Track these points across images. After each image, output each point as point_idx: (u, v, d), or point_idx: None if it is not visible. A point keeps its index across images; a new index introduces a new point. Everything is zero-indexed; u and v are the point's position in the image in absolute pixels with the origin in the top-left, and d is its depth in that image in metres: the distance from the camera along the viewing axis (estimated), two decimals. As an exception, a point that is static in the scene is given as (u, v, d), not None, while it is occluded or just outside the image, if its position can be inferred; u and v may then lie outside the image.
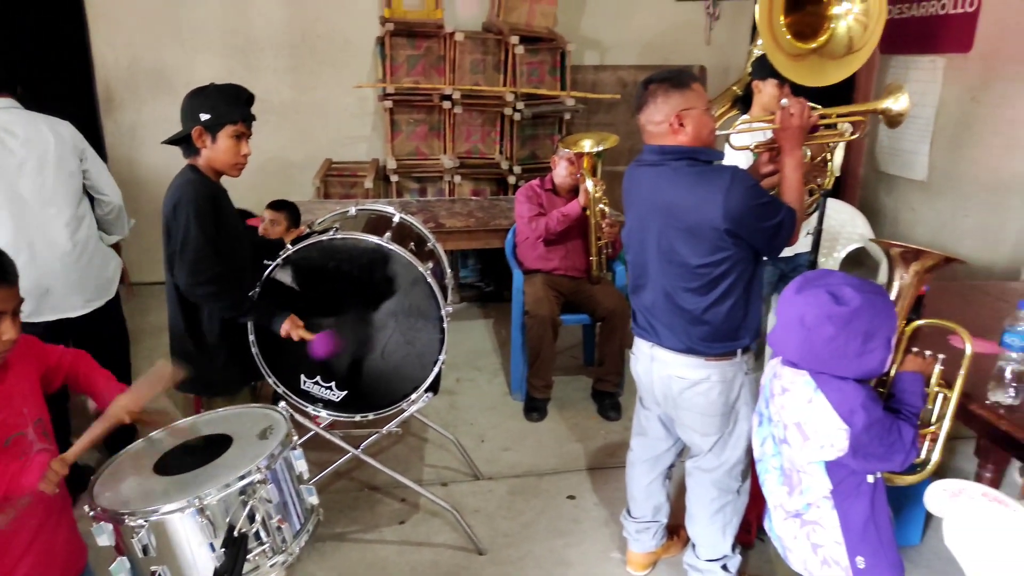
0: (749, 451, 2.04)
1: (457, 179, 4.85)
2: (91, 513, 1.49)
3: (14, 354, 1.57)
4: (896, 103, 2.15)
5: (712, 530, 2.21)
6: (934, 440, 1.68)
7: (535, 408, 3.48)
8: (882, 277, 3.94)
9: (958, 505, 1.50)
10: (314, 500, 1.70)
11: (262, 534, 1.53)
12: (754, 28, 2.52)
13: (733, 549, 2.25)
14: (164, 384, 1.70)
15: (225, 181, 2.26)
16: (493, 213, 4.23)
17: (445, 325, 2.38)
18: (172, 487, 1.53)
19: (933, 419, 1.70)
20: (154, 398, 1.71)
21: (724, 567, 2.24)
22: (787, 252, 2.75)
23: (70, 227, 2.68)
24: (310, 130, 5.17)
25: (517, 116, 4.82)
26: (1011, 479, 2.73)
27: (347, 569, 2.46)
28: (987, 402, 1.83)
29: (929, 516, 2.52)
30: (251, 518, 1.50)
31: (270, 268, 2.27)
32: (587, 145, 3.27)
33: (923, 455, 1.68)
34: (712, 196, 1.88)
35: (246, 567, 1.49)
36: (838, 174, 2.66)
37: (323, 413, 2.41)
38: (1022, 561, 1.37)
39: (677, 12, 5.41)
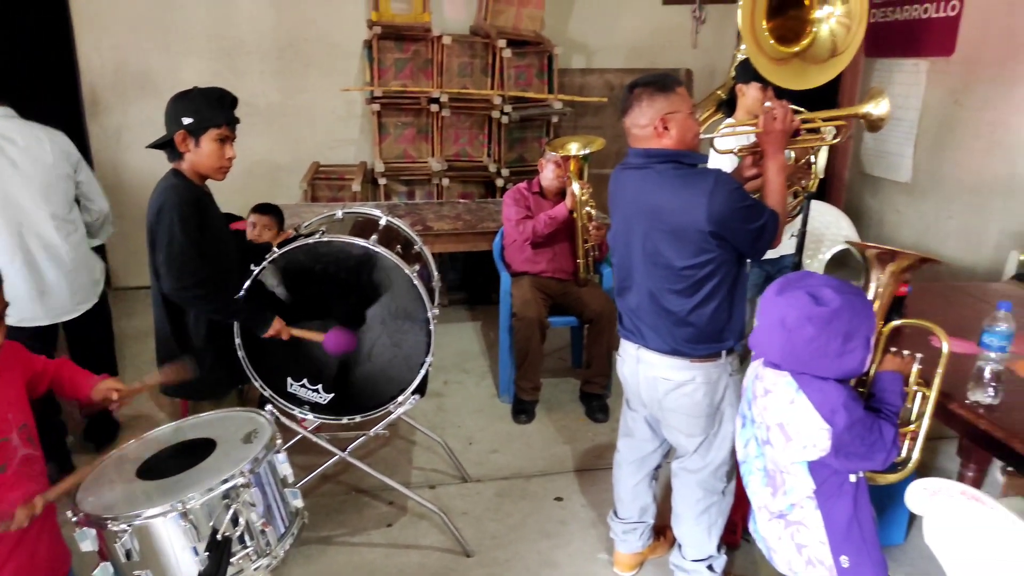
0: (734, 452, 2.05)
1: (445, 182, 4.86)
2: (74, 519, 1.49)
3: (0, 361, 1.56)
4: (877, 108, 2.17)
5: (698, 530, 2.22)
6: (914, 439, 1.70)
7: (523, 410, 3.49)
8: (867, 278, 3.96)
9: (937, 504, 1.52)
10: (299, 503, 1.70)
11: (246, 538, 1.53)
12: (739, 32, 2.54)
13: (719, 549, 2.26)
14: (179, 377, 1.73)
15: (212, 185, 2.26)
16: (481, 216, 4.23)
17: (432, 327, 2.38)
18: (155, 491, 1.53)
19: (912, 418, 1.72)
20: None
21: (710, 567, 2.25)
22: (772, 254, 2.78)
23: (64, 231, 2.75)
24: (297, 133, 5.16)
25: (505, 119, 4.83)
26: (993, 478, 2.75)
27: (334, 572, 2.46)
28: (967, 402, 1.85)
29: (913, 515, 2.54)
30: (235, 522, 1.50)
31: (257, 271, 2.27)
32: (574, 148, 3.28)
33: (903, 454, 1.70)
34: (696, 199, 1.90)
35: (230, 570, 1.49)
36: (822, 176, 2.68)
37: (310, 416, 2.41)
38: (999, 557, 1.39)
39: (663, 16, 5.44)
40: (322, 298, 2.34)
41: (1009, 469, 2.70)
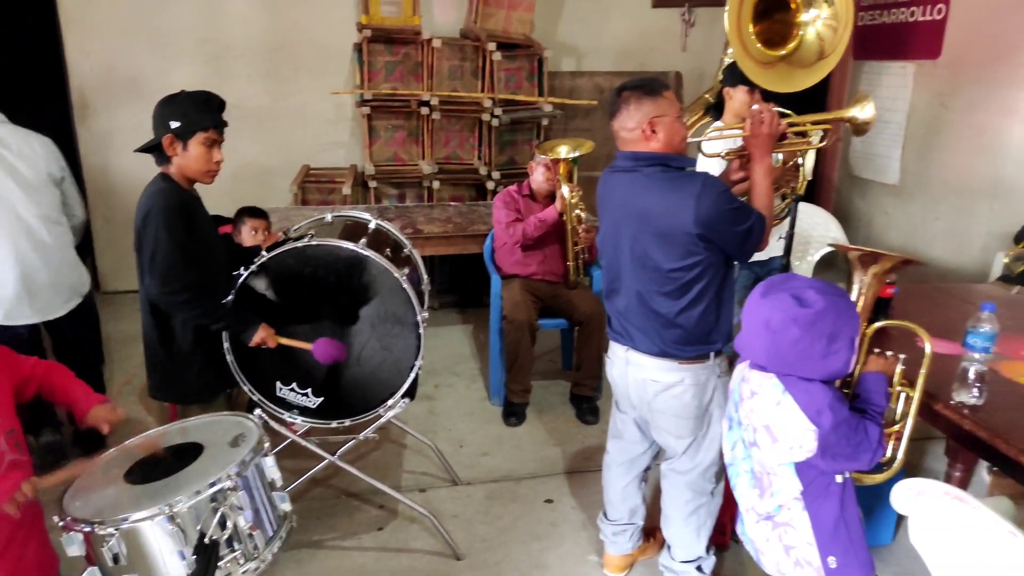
0: (723, 453, 2.06)
1: (436, 185, 4.86)
2: (60, 523, 1.48)
3: None
4: (862, 112, 2.19)
5: (687, 532, 2.23)
6: (898, 439, 1.71)
7: (513, 413, 3.49)
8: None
9: (921, 504, 1.53)
10: (287, 507, 1.70)
11: (234, 541, 1.53)
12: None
13: (708, 550, 2.27)
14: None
15: (201, 188, 2.26)
16: (471, 219, 4.24)
17: (421, 331, 2.38)
18: (143, 495, 1.53)
19: (897, 418, 1.74)
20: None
21: (699, 568, 2.26)
22: (761, 256, 2.80)
23: (55, 233, 2.83)
24: (287, 136, 5.15)
25: (495, 122, 4.84)
26: (980, 478, 2.78)
27: (324, 576, 2.46)
28: (952, 402, 1.86)
29: (901, 516, 2.56)
30: (222, 525, 1.50)
31: (244, 275, 2.26)
32: (563, 151, 3.29)
33: (888, 454, 1.72)
34: (684, 202, 1.91)
35: (218, 574, 1.49)
36: (810, 178, 2.70)
37: (299, 420, 2.41)
38: (982, 557, 1.40)
39: (653, 19, 5.46)
40: (311, 302, 2.33)
41: (995, 469, 2.72)
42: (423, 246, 3.87)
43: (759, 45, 2.55)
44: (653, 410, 2.14)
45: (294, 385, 2.36)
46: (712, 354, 2.07)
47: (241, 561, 1.53)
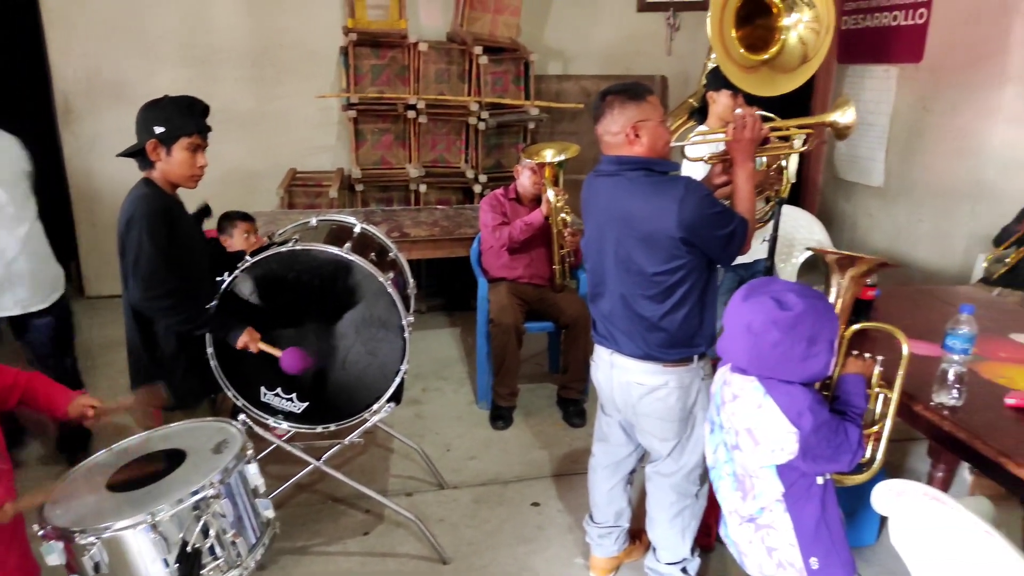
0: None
1: (423, 188, 4.86)
2: (40, 532, 1.47)
3: None
4: (843, 116, 2.21)
5: (671, 534, 2.24)
6: (878, 439, 1.73)
7: (500, 416, 3.49)
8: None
9: (901, 505, 1.54)
10: (270, 514, 1.69)
11: (216, 549, 1.52)
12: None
13: (692, 552, 2.28)
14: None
15: (188, 192, 2.25)
16: (458, 222, 4.24)
17: (407, 335, 2.38)
18: (125, 503, 1.52)
19: (876, 419, 1.75)
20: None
21: (684, 570, 2.27)
22: (746, 259, 2.82)
23: (29, 224, 2.86)
24: (274, 140, 5.14)
25: (482, 125, 4.84)
26: (962, 478, 2.80)
27: (310, 582, 2.45)
28: (931, 404, 1.88)
29: (884, 517, 2.58)
30: (205, 533, 1.49)
31: (228, 280, 2.26)
32: (548, 155, 3.30)
33: (868, 454, 1.73)
34: (667, 206, 1.92)
35: (201, 582, 1.49)
36: (794, 181, 2.72)
37: (284, 425, 2.40)
38: (960, 556, 1.42)
39: (638, 23, 5.49)
40: (296, 306, 2.33)
41: (976, 469, 2.75)
42: (409, 250, 3.87)
43: (742, 50, 2.57)
44: (638, 413, 2.15)
45: (279, 390, 2.36)
46: (696, 357, 2.09)
47: (224, 568, 1.53)
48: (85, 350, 4.12)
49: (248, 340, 2.21)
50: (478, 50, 4.74)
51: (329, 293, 2.34)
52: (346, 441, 2.55)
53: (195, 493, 1.50)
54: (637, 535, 2.54)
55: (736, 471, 1.71)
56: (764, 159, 2.61)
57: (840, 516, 1.70)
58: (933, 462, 2.63)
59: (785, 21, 2.56)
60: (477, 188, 4.90)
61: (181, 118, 2.12)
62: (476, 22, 4.81)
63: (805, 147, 2.40)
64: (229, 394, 2.34)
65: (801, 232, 4.06)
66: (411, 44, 4.74)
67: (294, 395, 2.37)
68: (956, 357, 1.88)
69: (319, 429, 2.42)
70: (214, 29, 4.90)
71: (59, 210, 5.02)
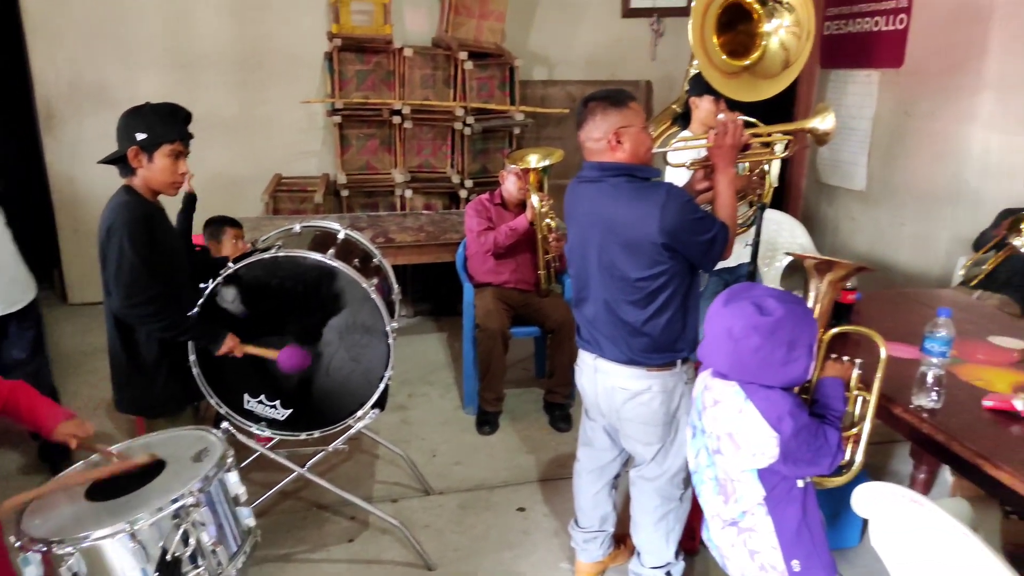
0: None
1: (408, 193, 4.85)
2: (17, 543, 1.46)
3: None
4: (823, 123, 2.24)
5: (656, 537, 2.25)
6: (856, 442, 1.75)
7: (487, 421, 3.49)
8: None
9: (880, 507, 1.56)
10: (251, 522, 1.68)
11: (197, 557, 1.52)
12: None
13: (677, 556, 2.29)
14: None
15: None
16: (444, 227, 4.24)
17: (391, 341, 2.38)
18: (104, 513, 1.51)
19: (855, 421, 1.77)
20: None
21: (668, 574, 2.28)
22: (729, 263, 2.84)
23: (7, 231, 2.87)
24: (259, 146, 5.12)
25: (467, 131, 4.85)
26: (943, 479, 2.83)
27: (294, 590, 2.44)
28: (911, 406, 1.90)
29: (867, 519, 2.60)
30: (185, 541, 1.48)
31: (211, 286, 2.25)
32: (532, 160, 3.31)
33: (847, 456, 1.74)
34: (649, 211, 1.93)
35: (181, 591, 1.48)
36: (776, 185, 2.75)
37: (267, 432, 2.39)
38: (936, 556, 1.43)
39: (623, 28, 5.51)
40: (279, 313, 2.32)
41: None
42: (395, 255, 3.87)
43: (724, 56, 2.59)
44: (622, 418, 2.16)
45: (262, 397, 2.35)
46: (679, 361, 2.10)
47: (205, 577, 1.52)
48: (68, 357, 4.11)
49: (230, 347, 2.20)
50: (463, 55, 4.75)
51: (313, 300, 2.33)
52: (330, 448, 2.55)
53: (175, 501, 1.49)
54: (622, 539, 2.54)
55: (718, 475, 1.72)
56: (746, 165, 2.64)
57: (821, 519, 1.72)
58: (915, 463, 2.66)
59: (766, 27, 2.58)
60: (463, 193, 4.90)
61: (163, 125, 2.11)
62: (461, 27, 4.82)
63: (786, 153, 2.42)
64: (212, 401, 2.33)
65: (784, 236, 4.09)
66: (396, 49, 4.74)
67: (278, 402, 2.36)
68: (935, 360, 1.90)
69: (303, 436, 2.41)
70: (198, 34, 4.88)
71: (42, 217, 5.00)
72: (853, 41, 4.78)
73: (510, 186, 3.49)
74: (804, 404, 1.64)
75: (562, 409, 3.55)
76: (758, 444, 1.60)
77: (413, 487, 3.01)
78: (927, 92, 4.19)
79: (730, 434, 1.64)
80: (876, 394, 1.74)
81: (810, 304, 1.82)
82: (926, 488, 2.65)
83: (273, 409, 2.36)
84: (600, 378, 2.16)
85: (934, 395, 1.89)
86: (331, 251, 2.36)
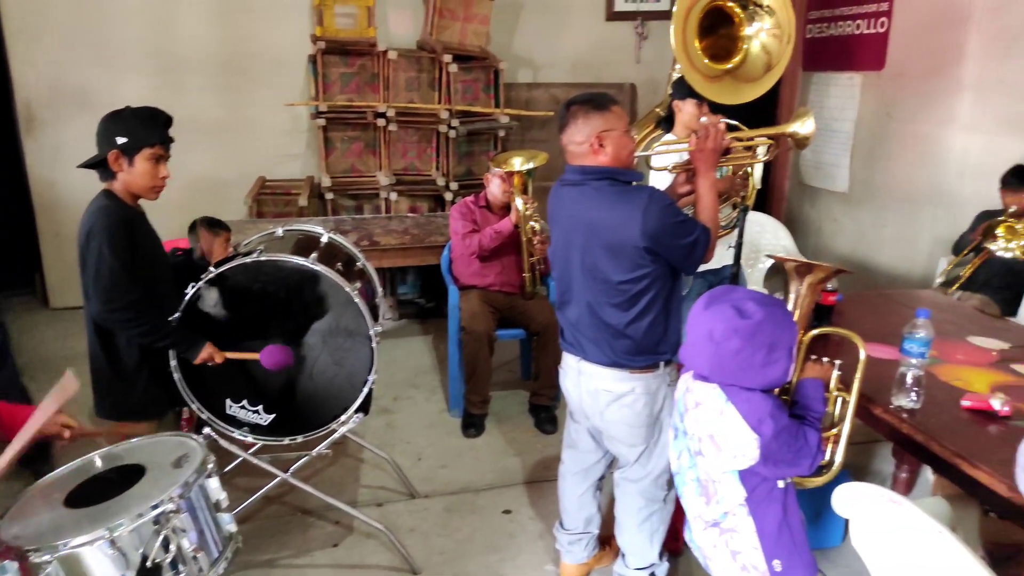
0: (671, 461, 2.09)
1: (393, 196, 4.85)
2: (-6, 551, 1.44)
3: None
4: (803, 127, 2.26)
5: (640, 539, 2.26)
6: (836, 442, 1.76)
7: (472, 424, 3.49)
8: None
9: (860, 507, 1.57)
10: (232, 527, 1.67)
11: (178, 563, 1.50)
12: (677, 49, 2.61)
13: (661, 557, 2.30)
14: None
15: (158, 201, 2.23)
16: (429, 230, 4.24)
17: (374, 345, 2.37)
18: (83, 519, 1.49)
19: (835, 422, 1.78)
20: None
21: (652, 575, 2.28)
22: (712, 265, 2.85)
23: None
24: (242, 148, 5.09)
25: (452, 133, 4.85)
26: (925, 478, 2.85)
27: (278, 595, 2.43)
28: (891, 407, 1.92)
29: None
30: (165, 548, 1.47)
31: (192, 291, 2.23)
32: (517, 163, 3.31)
33: (827, 457, 1.76)
34: (631, 215, 1.94)
35: (162, 598, 1.47)
36: (759, 187, 2.76)
37: (250, 438, 2.37)
38: (914, 555, 1.45)
39: (607, 31, 5.54)
40: (261, 317, 2.31)
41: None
42: (380, 258, 3.86)
43: (706, 60, 2.61)
44: (605, 420, 2.16)
45: (244, 402, 2.33)
46: (662, 363, 2.11)
47: (186, 584, 1.51)
48: (49, 361, 4.06)
49: (209, 355, 2.19)
50: (448, 58, 4.75)
51: (296, 303, 2.32)
52: (314, 453, 2.53)
53: (155, 508, 1.48)
54: (607, 541, 2.55)
55: (699, 476, 1.73)
56: (728, 168, 2.65)
57: (802, 519, 1.73)
58: (897, 463, 2.68)
59: (747, 31, 2.61)
60: (448, 196, 4.90)
61: (144, 129, 2.10)
62: (445, 30, 4.82)
63: (768, 156, 2.44)
64: (193, 407, 2.31)
65: (767, 238, 4.11)
66: (380, 52, 4.74)
67: (260, 407, 2.34)
68: (914, 361, 1.92)
69: (286, 441, 2.40)
70: (180, 37, 4.85)
71: (23, 221, 4.95)
72: (835, 44, 4.83)
73: (495, 189, 3.49)
74: (784, 406, 1.65)
75: (548, 411, 3.55)
76: (739, 446, 1.61)
77: (398, 491, 3.00)
78: (908, 94, 4.24)
79: (711, 436, 1.65)
80: (856, 395, 1.75)
81: (791, 306, 1.83)
82: (908, 487, 2.67)
83: (256, 414, 2.35)
84: (584, 380, 2.17)
85: (913, 395, 1.90)
86: (314, 255, 2.35)
